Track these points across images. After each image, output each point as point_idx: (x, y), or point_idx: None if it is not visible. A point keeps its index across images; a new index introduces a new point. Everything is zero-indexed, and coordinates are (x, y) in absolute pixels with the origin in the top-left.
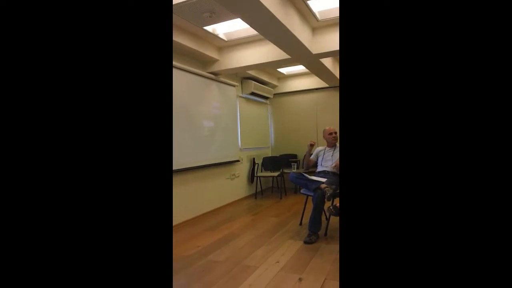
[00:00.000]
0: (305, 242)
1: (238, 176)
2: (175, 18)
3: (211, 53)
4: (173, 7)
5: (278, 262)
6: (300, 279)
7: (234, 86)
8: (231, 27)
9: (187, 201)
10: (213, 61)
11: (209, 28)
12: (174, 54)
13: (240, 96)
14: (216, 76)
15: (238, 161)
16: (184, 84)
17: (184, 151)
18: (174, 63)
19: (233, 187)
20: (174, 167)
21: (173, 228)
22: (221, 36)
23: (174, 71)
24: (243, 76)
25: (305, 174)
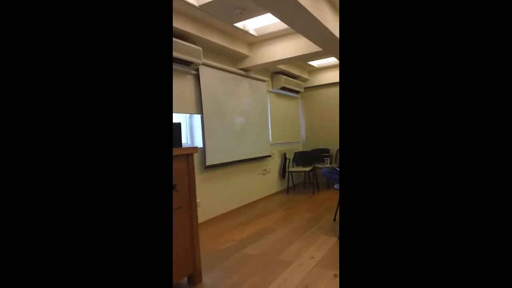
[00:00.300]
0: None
1: (270, 171)
2: (206, 17)
3: (242, 49)
4: (204, 6)
5: (312, 257)
6: (335, 275)
7: (264, 81)
8: (261, 23)
9: (221, 196)
10: (243, 57)
11: (239, 24)
12: (205, 52)
13: (271, 91)
14: (246, 72)
15: (269, 156)
16: (215, 81)
17: (217, 147)
18: (206, 61)
19: (265, 182)
20: (208, 163)
21: (209, 222)
22: (251, 32)
23: (206, 69)
24: (273, 71)
25: (338, 169)
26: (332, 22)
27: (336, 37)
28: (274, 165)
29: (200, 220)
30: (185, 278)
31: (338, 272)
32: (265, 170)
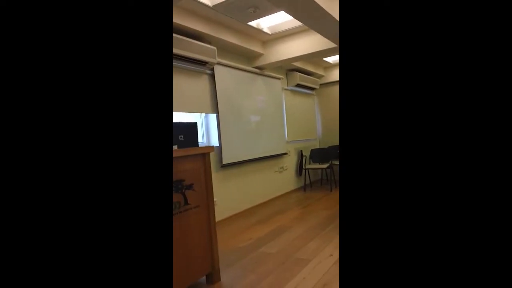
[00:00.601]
0: None
1: (286, 169)
2: (220, 17)
3: (256, 47)
4: (217, 6)
5: (331, 255)
6: None
7: (279, 79)
8: (275, 20)
9: (238, 194)
10: (258, 55)
11: (253, 23)
12: (220, 52)
13: (286, 89)
14: (261, 70)
15: (285, 154)
16: (230, 80)
17: (232, 146)
18: (221, 60)
19: (282, 180)
20: (224, 162)
21: (226, 221)
22: (265, 30)
23: (221, 68)
24: (288, 68)
25: None
26: None
27: None
28: (290, 162)
29: (217, 218)
30: (204, 277)
31: None
32: (282, 167)
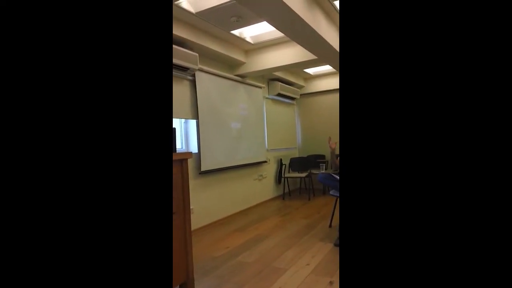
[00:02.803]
0: (336, 245)
1: (266, 177)
2: (203, 24)
3: (238, 56)
4: (202, 13)
5: (308, 264)
6: (331, 283)
7: (260, 87)
8: (257, 30)
9: (216, 202)
10: (240, 63)
11: (236, 32)
12: (202, 58)
13: (267, 98)
14: (243, 79)
15: (265, 162)
16: (211, 87)
17: (212, 153)
18: (202, 66)
19: (261, 188)
20: (203, 168)
21: (203, 229)
22: (248, 39)
23: (203, 75)
24: (269, 77)
25: (334, 175)
26: (327, 31)
27: (330, 45)
28: (270, 170)
29: (194, 227)
30: (178, 287)
31: (333, 279)
32: (261, 175)
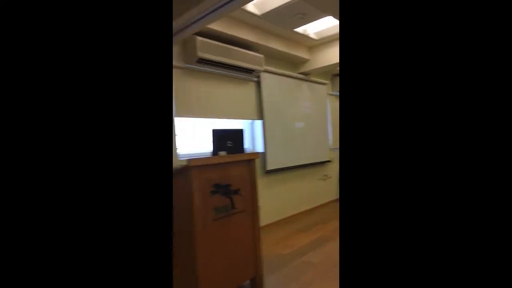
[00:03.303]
0: None
1: (331, 177)
2: (267, 25)
3: (302, 53)
4: (266, 15)
5: None
6: None
7: (324, 84)
8: (321, 26)
9: (280, 201)
10: (303, 61)
11: (299, 29)
12: (266, 59)
13: (331, 94)
14: (306, 76)
15: (329, 161)
16: (275, 87)
17: (277, 152)
18: (267, 67)
19: (325, 188)
20: (268, 168)
21: (269, 226)
22: (312, 35)
23: (268, 75)
24: (333, 73)
25: None
26: None
27: None
28: (334, 170)
29: (261, 224)
30: (248, 281)
31: None
32: (326, 175)
